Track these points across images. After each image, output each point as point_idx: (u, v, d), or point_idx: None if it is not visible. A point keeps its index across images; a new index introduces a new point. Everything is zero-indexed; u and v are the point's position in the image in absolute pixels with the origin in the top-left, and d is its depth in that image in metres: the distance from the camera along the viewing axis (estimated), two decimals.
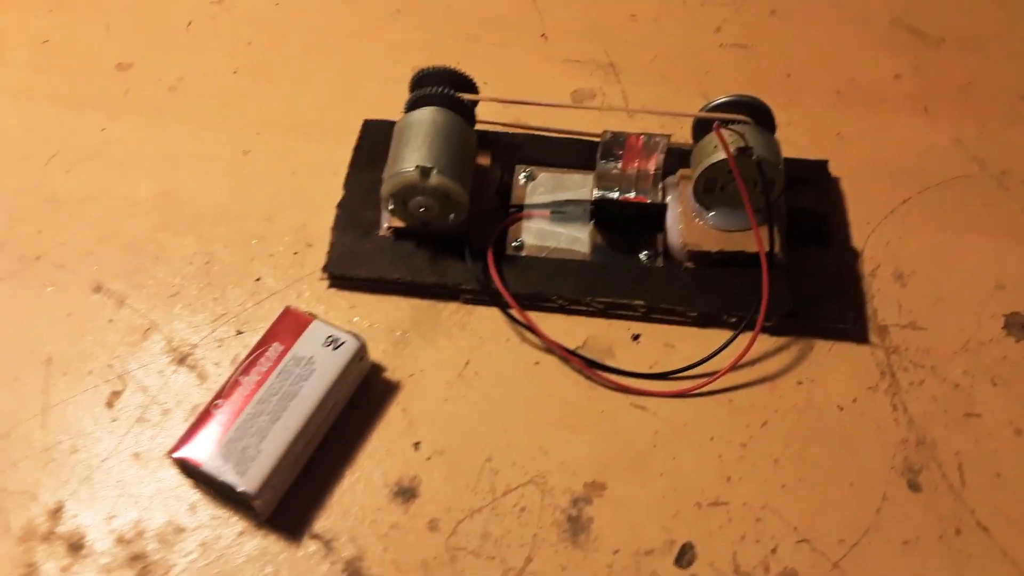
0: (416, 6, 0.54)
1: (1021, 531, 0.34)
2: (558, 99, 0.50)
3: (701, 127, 0.42)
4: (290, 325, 0.36)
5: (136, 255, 0.42)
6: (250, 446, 0.33)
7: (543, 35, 0.53)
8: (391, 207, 0.39)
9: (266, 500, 0.33)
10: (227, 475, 0.33)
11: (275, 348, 0.35)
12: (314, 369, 0.35)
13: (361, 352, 0.36)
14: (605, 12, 0.54)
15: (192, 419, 0.34)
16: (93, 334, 0.39)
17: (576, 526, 0.34)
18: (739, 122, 0.40)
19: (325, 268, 0.40)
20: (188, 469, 0.34)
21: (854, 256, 0.43)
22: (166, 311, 0.40)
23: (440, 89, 0.40)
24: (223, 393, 0.35)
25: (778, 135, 0.41)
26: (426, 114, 0.39)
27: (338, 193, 0.43)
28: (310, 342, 0.36)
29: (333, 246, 0.41)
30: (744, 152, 0.38)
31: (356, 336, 0.36)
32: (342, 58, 0.51)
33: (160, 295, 0.40)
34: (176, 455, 0.33)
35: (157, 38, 0.51)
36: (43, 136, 0.46)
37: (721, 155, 0.38)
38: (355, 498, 0.35)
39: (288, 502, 0.34)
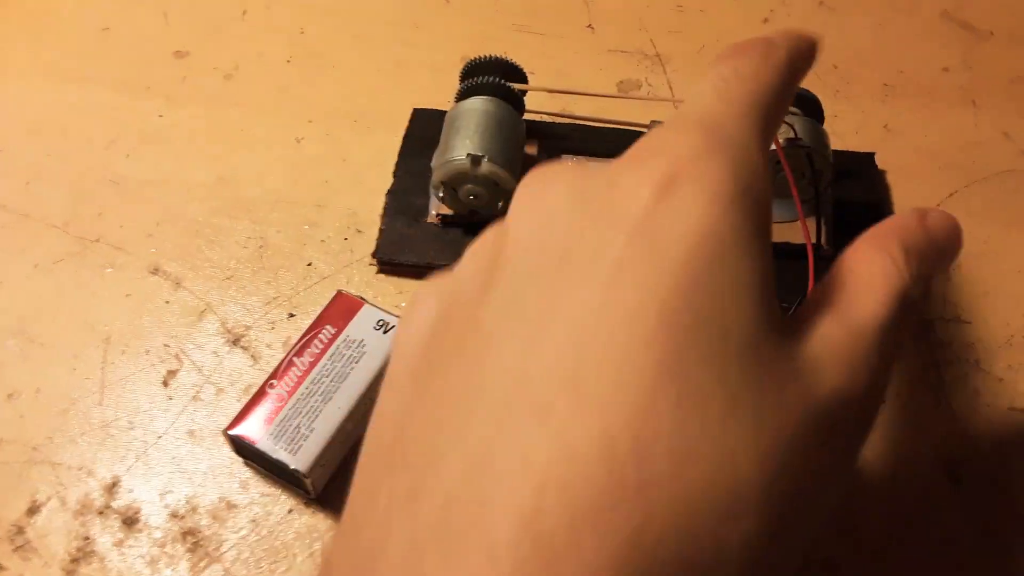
0: None
1: None
2: (604, 89, 0.50)
3: None
4: (342, 308, 0.37)
5: (193, 238, 0.43)
6: (302, 425, 0.34)
7: (589, 25, 0.53)
8: (441, 194, 0.40)
9: (316, 479, 0.34)
10: (280, 454, 0.34)
11: (327, 331, 0.36)
12: (365, 351, 0.36)
13: None
14: (651, 2, 0.55)
15: (245, 399, 0.36)
16: (150, 314, 0.41)
17: None
18: (788, 112, 0.40)
19: (374, 254, 0.41)
20: (242, 447, 0.35)
21: None
22: (221, 293, 0.41)
23: (490, 78, 0.41)
24: (277, 374, 0.36)
25: (826, 126, 0.41)
26: (477, 103, 0.40)
27: (388, 180, 0.44)
28: (361, 325, 0.37)
29: (382, 232, 0.42)
30: (793, 142, 0.38)
31: None
32: (393, 47, 0.52)
33: (215, 278, 0.42)
34: (231, 432, 0.35)
35: (213, 27, 0.53)
36: (104, 121, 0.48)
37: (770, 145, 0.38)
38: None
39: (337, 480, 0.35)
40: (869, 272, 0.22)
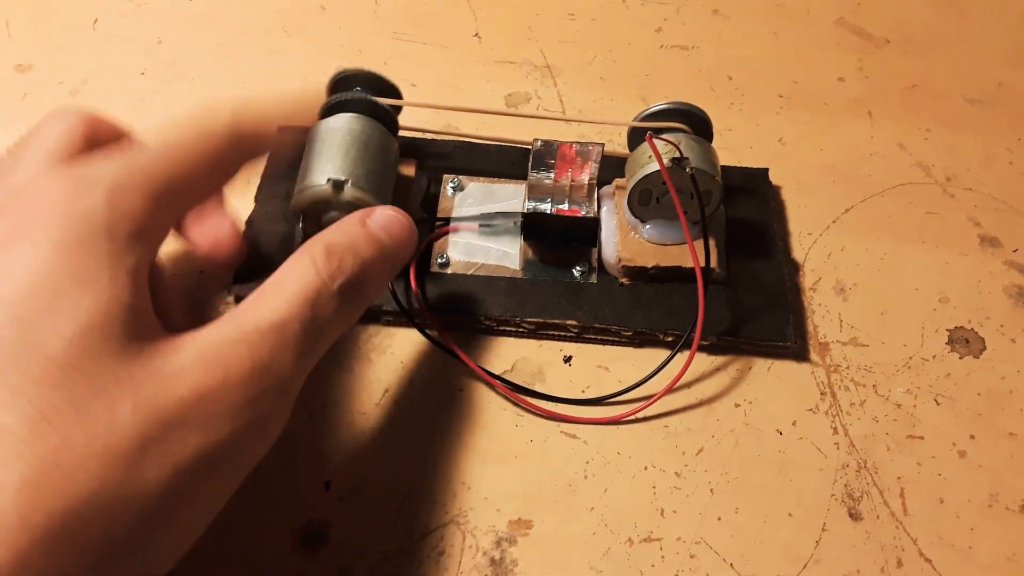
0: (342, 2, 0.51)
1: (964, 561, 0.33)
2: (492, 102, 0.47)
3: (637, 135, 0.40)
4: None
5: None
6: None
7: (476, 35, 0.51)
8: (301, 224, 0.36)
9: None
10: None
11: None
12: None
13: None
14: (542, 11, 0.52)
15: None
16: None
17: (499, 570, 0.32)
18: (675, 130, 0.38)
19: (229, 288, 0.38)
20: None
21: (795, 269, 0.41)
22: None
23: (357, 93, 0.37)
24: None
25: (719, 141, 0.39)
26: (341, 122, 0.36)
27: (250, 204, 0.40)
28: None
29: (241, 264, 0.38)
30: (678, 163, 0.36)
31: None
32: (261, 57, 0.48)
33: None
34: None
35: (60, 37, 0.48)
36: None
37: (654, 166, 0.36)
38: (256, 548, 0.32)
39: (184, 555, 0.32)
40: (286, 275, 0.26)
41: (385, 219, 0.29)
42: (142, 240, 0.25)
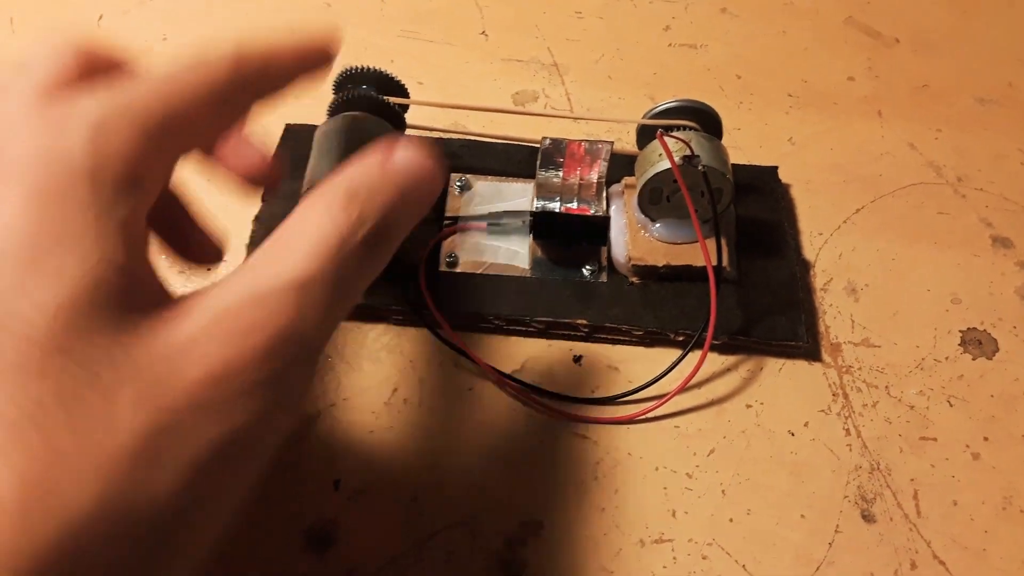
0: None
1: (979, 563, 0.32)
2: (499, 100, 0.47)
3: (646, 133, 0.39)
4: None
5: None
6: None
7: (483, 32, 0.50)
8: None
9: None
10: None
11: None
12: None
13: None
14: (549, 8, 0.52)
15: None
16: None
17: (509, 571, 0.31)
18: (685, 128, 0.38)
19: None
20: None
21: (806, 268, 0.41)
22: None
23: (364, 91, 0.37)
24: None
25: (728, 139, 0.38)
26: (348, 120, 0.36)
27: (256, 203, 0.40)
28: None
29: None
30: (689, 160, 0.35)
31: None
32: None
33: None
34: None
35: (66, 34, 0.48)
36: None
37: (665, 164, 0.35)
38: (265, 547, 0.32)
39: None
40: (303, 225, 0.22)
41: (408, 158, 0.24)
42: (135, 187, 0.20)
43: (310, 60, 0.25)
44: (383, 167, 0.24)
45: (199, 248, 0.30)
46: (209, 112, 0.23)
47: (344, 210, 0.22)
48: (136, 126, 0.21)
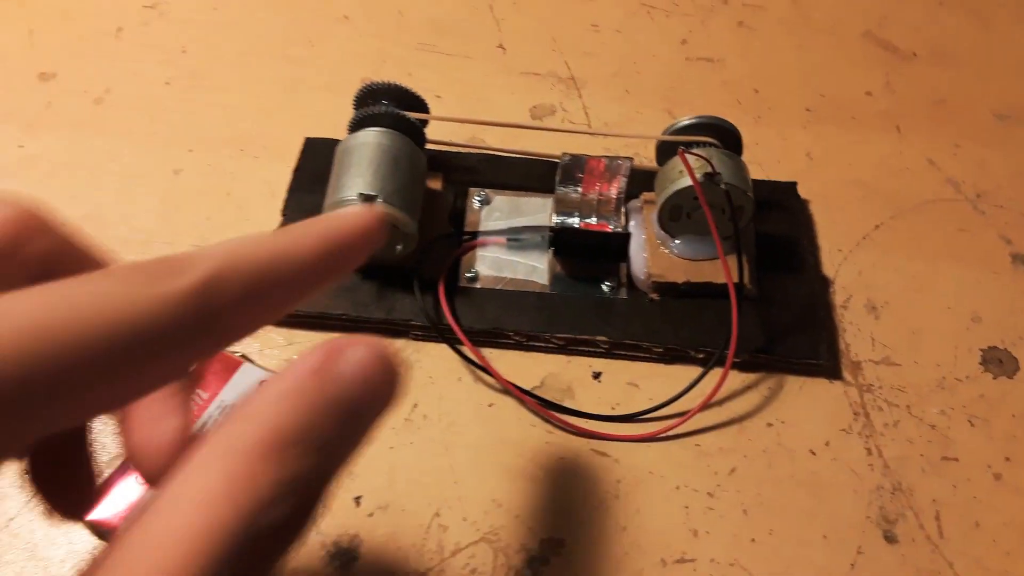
0: (366, 12, 0.51)
1: None
2: (516, 114, 0.47)
3: (666, 149, 0.39)
4: (218, 368, 0.33)
5: None
6: None
7: (500, 46, 0.50)
8: None
9: None
10: None
11: (199, 396, 0.32)
12: None
13: None
14: (566, 22, 0.52)
15: (109, 472, 0.31)
16: None
17: None
18: (705, 144, 0.38)
19: None
20: (102, 531, 0.31)
21: (825, 286, 0.40)
22: None
23: (386, 108, 0.37)
24: None
25: (746, 155, 0.38)
26: (370, 136, 0.36)
27: (276, 218, 0.40)
28: (240, 387, 0.33)
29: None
30: (711, 178, 0.35)
31: None
32: (284, 67, 0.48)
33: None
34: (89, 518, 0.30)
35: (84, 45, 0.48)
36: None
37: (687, 181, 0.35)
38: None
39: None
40: (188, 496, 0.14)
41: (358, 365, 0.16)
42: None
43: (339, 256, 0.18)
44: (325, 381, 0.16)
45: (77, 501, 0.22)
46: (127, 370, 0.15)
47: (249, 471, 0.14)
48: None
